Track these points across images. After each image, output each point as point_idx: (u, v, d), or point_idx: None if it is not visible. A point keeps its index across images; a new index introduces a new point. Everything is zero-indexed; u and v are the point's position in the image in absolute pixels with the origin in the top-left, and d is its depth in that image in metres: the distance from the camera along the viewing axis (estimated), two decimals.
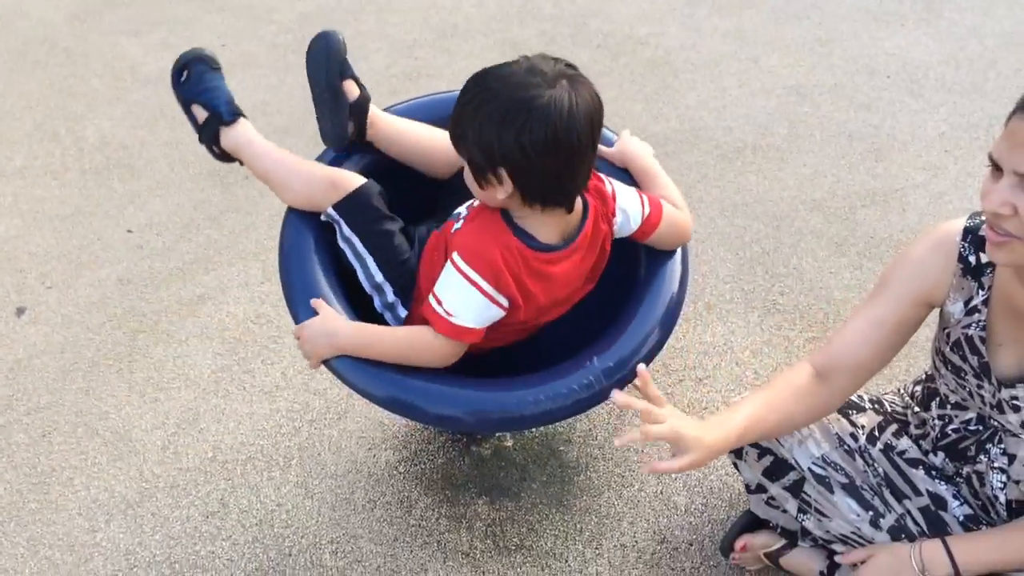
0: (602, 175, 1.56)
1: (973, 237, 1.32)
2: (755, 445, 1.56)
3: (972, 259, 1.33)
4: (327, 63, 1.64)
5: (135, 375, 2.20)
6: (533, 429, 2.01)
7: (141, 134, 3.07)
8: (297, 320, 1.54)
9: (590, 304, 1.64)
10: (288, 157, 1.68)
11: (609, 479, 1.92)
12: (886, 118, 2.99)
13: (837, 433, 1.53)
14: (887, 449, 1.52)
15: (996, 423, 1.38)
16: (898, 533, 1.46)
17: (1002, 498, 1.41)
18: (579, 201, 1.48)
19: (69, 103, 3.25)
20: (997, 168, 1.15)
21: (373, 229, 1.59)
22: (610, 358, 1.50)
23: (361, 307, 1.60)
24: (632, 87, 3.22)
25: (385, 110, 1.76)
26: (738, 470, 1.65)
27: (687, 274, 1.64)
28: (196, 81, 1.67)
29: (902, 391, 1.68)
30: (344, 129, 1.66)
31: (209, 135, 1.68)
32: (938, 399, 1.48)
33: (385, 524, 1.86)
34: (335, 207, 1.59)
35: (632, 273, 1.65)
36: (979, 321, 1.33)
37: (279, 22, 3.72)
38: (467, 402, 1.48)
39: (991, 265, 1.31)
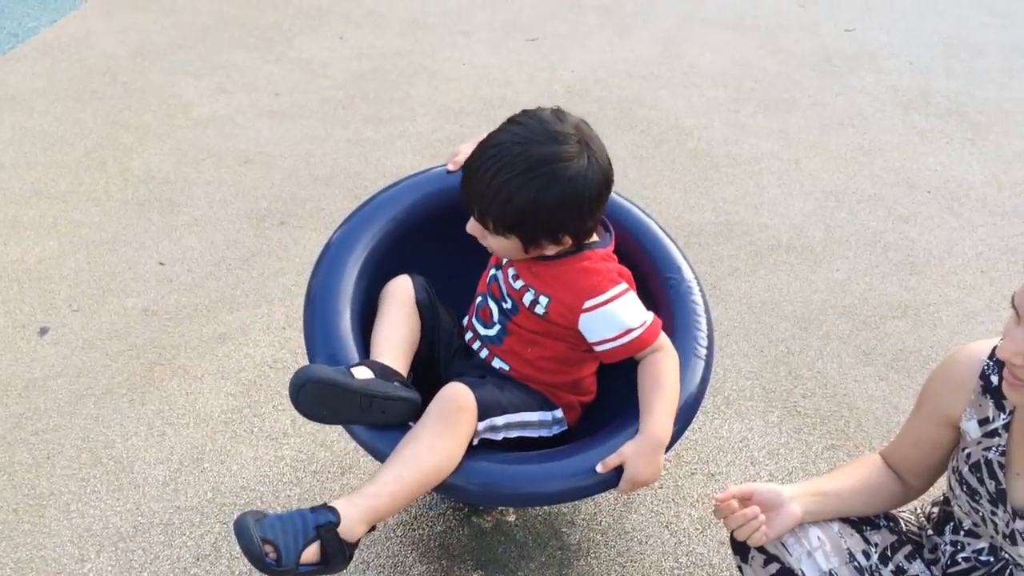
0: None
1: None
2: (762, 551, 1.51)
3: (995, 379, 1.30)
4: (327, 379, 1.39)
5: (146, 407, 2.20)
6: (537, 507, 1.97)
7: (186, 171, 3.13)
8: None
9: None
10: (406, 449, 1.42)
11: (609, 568, 1.87)
12: (923, 232, 2.98)
13: (849, 548, 1.48)
14: (898, 572, 1.47)
15: (1007, 555, 1.33)
16: None
17: None
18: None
19: (120, 134, 3.33)
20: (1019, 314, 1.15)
21: (505, 398, 1.59)
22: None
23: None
24: (671, 175, 3.25)
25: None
26: (742, 575, 1.59)
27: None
28: (279, 529, 1.30)
29: (919, 511, 1.63)
30: (404, 397, 1.48)
31: (336, 551, 1.33)
32: (952, 524, 1.44)
33: None
34: (482, 419, 1.50)
35: None
36: (999, 445, 1.30)
37: (333, 78, 3.81)
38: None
39: None
